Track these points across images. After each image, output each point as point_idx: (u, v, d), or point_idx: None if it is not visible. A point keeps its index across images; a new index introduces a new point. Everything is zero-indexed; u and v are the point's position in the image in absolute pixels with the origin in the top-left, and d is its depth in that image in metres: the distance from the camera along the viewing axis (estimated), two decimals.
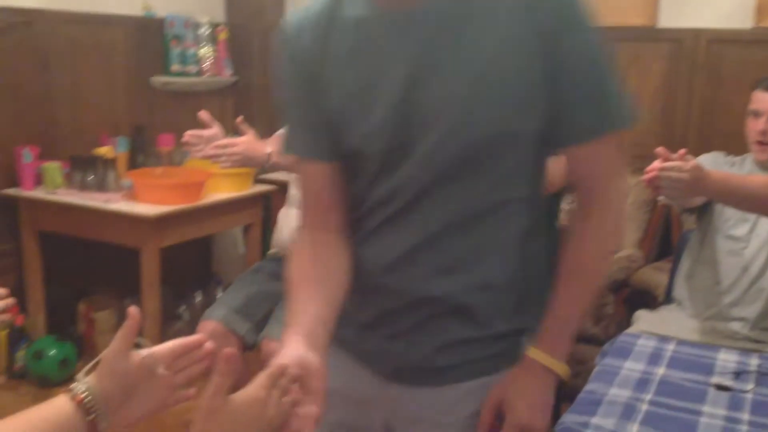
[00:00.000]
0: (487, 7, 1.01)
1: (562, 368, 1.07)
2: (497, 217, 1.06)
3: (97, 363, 0.89)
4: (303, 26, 1.09)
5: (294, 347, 0.97)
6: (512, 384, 1.07)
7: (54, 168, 3.00)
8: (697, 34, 3.28)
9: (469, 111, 1.00)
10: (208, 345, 0.98)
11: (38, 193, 2.99)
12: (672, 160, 1.70)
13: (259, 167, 2.38)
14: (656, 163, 1.71)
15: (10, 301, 1.18)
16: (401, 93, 1.01)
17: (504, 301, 1.09)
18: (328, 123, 1.08)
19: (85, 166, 3.00)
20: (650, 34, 3.38)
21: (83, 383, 0.86)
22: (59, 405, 0.84)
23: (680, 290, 2.25)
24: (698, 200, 2.15)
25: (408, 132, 1.02)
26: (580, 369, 2.87)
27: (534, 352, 1.07)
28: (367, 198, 1.09)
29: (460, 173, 1.03)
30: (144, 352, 0.92)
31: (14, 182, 3.04)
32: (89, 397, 0.85)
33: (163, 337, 3.05)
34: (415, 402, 1.14)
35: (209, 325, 2.30)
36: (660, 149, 1.72)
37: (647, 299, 2.72)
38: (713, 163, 2.20)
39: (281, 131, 2.76)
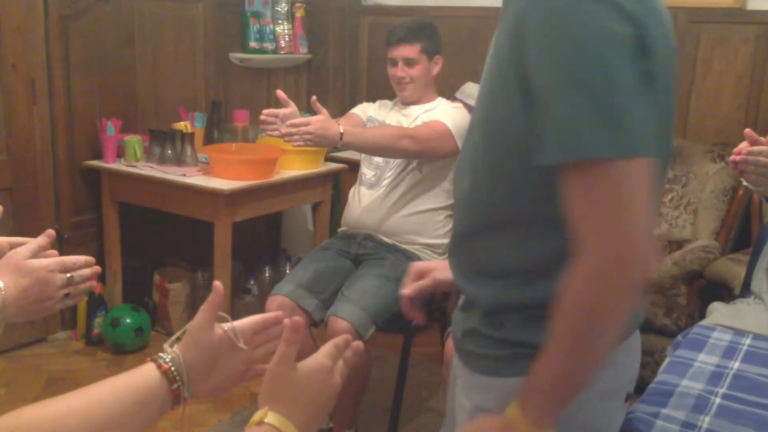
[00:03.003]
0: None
1: None
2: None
3: (182, 334, 0.93)
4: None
5: None
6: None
7: (135, 141, 3.10)
8: None
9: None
10: (286, 321, 1.01)
11: (119, 166, 3.10)
12: (761, 143, 1.64)
13: (330, 146, 2.41)
14: (743, 145, 1.65)
15: (97, 268, 1.23)
16: None
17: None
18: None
19: (163, 140, 3.09)
20: (738, 16, 3.25)
21: (169, 353, 0.90)
22: (146, 373, 0.88)
23: (759, 283, 2.18)
24: None
25: None
26: (648, 360, 2.83)
27: (513, 411, 0.97)
28: None
29: None
30: (226, 326, 0.95)
31: (97, 154, 3.17)
32: (174, 367, 0.88)
33: (233, 310, 3.14)
34: (458, 377, 1.18)
35: (277, 300, 2.35)
36: (748, 131, 1.66)
37: (722, 291, 2.64)
38: None
39: (355, 109, 2.78)
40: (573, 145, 0.87)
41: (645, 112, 0.88)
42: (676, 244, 3.12)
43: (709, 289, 2.75)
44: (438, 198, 2.59)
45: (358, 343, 0.98)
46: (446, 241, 2.62)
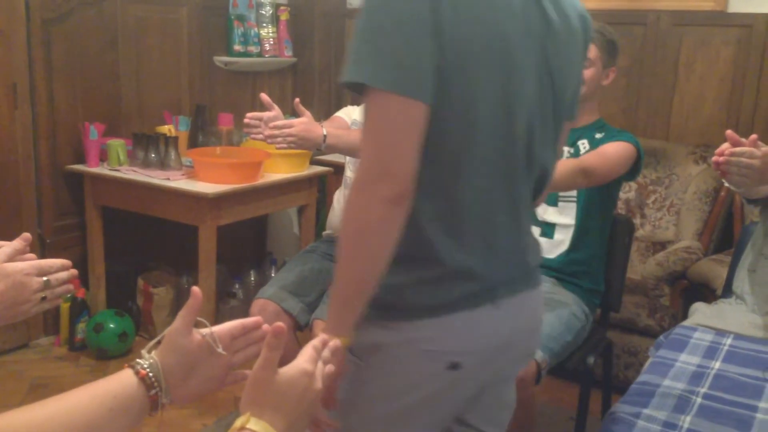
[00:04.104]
0: None
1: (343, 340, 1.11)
2: None
3: (160, 340, 0.93)
4: None
5: None
6: None
7: (118, 145, 3.09)
8: None
9: None
10: (266, 327, 1.01)
11: (102, 170, 3.08)
12: (743, 145, 1.65)
13: (314, 149, 2.40)
14: (725, 146, 1.66)
15: (74, 272, 1.23)
16: None
17: None
18: None
19: (147, 144, 3.08)
20: (719, 19, 3.28)
21: (147, 359, 0.90)
22: (123, 379, 0.87)
23: (741, 284, 2.19)
24: (765, 190, 2.07)
25: None
26: (633, 360, 2.85)
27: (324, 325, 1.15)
28: None
29: None
30: (204, 331, 0.95)
31: (80, 158, 3.15)
32: (152, 373, 0.88)
33: (217, 314, 3.13)
34: None
35: (262, 304, 2.34)
36: (730, 132, 1.67)
37: (705, 292, 2.66)
38: None
39: (339, 113, 2.72)
40: (353, 70, 1.06)
41: (416, 60, 1.04)
42: (660, 245, 3.14)
43: (691, 289, 2.77)
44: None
45: (336, 342, 0.98)
46: None
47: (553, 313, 2.18)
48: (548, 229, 2.38)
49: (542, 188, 1.31)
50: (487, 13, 1.10)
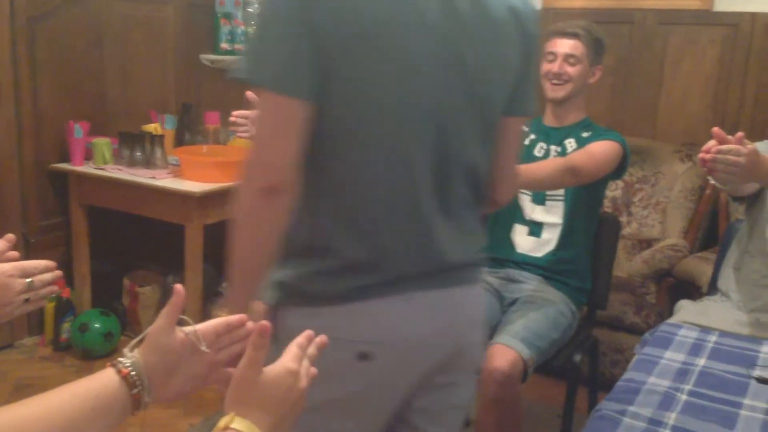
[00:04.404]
0: None
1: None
2: None
3: (142, 338, 0.92)
4: None
5: None
6: None
7: (103, 144, 3.07)
8: (753, 17, 3.18)
9: None
10: (250, 325, 1.00)
11: (87, 168, 3.06)
12: (729, 142, 1.65)
13: None
14: (712, 143, 1.67)
15: (58, 273, 1.22)
16: None
17: None
18: None
19: (133, 143, 3.06)
20: (705, 17, 3.30)
21: (129, 357, 0.89)
22: (105, 378, 0.86)
23: (726, 281, 2.21)
24: (750, 188, 2.09)
25: None
26: (619, 358, 2.86)
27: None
28: None
29: None
30: (188, 329, 0.94)
31: (65, 157, 3.12)
32: (134, 372, 0.87)
33: (204, 313, 3.11)
34: None
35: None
36: (716, 130, 1.67)
37: (690, 289, 2.67)
38: (766, 151, 2.14)
39: None
40: (240, 67, 1.13)
41: (292, 59, 1.09)
42: (646, 243, 3.15)
43: (677, 287, 2.78)
44: None
45: (322, 338, 0.98)
46: None
47: (540, 312, 2.18)
48: (536, 228, 2.38)
49: (478, 188, 1.29)
50: (366, 8, 1.11)
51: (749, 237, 2.16)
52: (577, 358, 2.21)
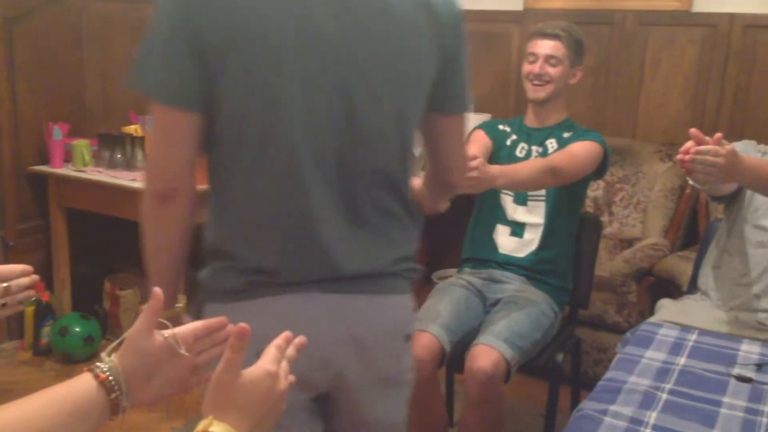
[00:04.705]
0: None
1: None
2: None
3: (120, 342, 0.91)
4: None
5: None
6: None
7: (83, 145, 3.04)
8: (732, 18, 3.22)
9: None
10: (231, 327, 0.99)
11: (67, 171, 3.03)
12: (706, 143, 1.67)
13: None
14: (690, 144, 1.68)
15: (35, 277, 1.21)
16: None
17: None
18: None
19: (113, 144, 3.03)
20: (684, 18, 3.33)
21: (107, 362, 0.88)
22: (82, 383, 0.85)
23: (706, 280, 2.23)
24: (728, 188, 2.11)
25: None
26: (601, 357, 2.87)
27: None
28: None
29: None
30: (167, 332, 0.93)
31: (44, 159, 3.09)
32: (112, 376, 0.86)
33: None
34: None
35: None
36: (694, 131, 1.69)
37: (671, 288, 2.69)
38: (744, 151, 2.15)
39: None
40: (129, 75, 1.17)
41: (173, 69, 1.11)
42: (627, 243, 3.17)
43: (658, 286, 2.80)
44: None
45: (301, 339, 0.97)
46: None
47: (522, 312, 2.19)
48: (518, 228, 2.39)
49: (402, 195, 1.26)
50: (246, 15, 1.10)
51: (728, 236, 2.18)
52: (560, 357, 2.21)
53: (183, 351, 0.93)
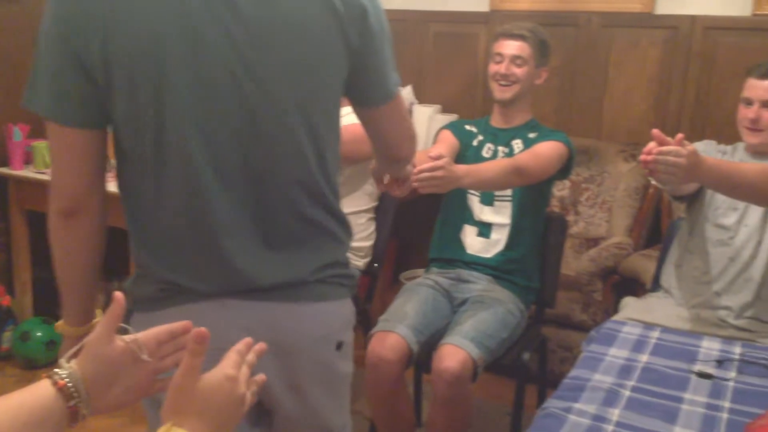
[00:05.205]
0: None
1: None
2: None
3: (80, 348, 0.89)
4: None
5: None
6: None
7: (44, 147, 2.98)
8: (693, 20, 3.27)
9: None
10: (202, 330, 0.98)
11: (27, 173, 2.98)
12: (668, 144, 1.70)
13: None
14: (652, 145, 1.71)
15: None
16: None
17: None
18: None
19: None
20: (647, 20, 3.37)
21: (65, 368, 0.86)
22: (40, 390, 0.84)
23: (668, 278, 2.26)
24: (690, 188, 2.15)
25: None
26: (567, 355, 2.90)
27: None
28: None
29: None
30: (128, 337, 0.92)
31: (4, 161, 3.03)
32: (71, 383, 0.85)
33: None
34: None
35: None
36: (656, 131, 1.71)
37: (635, 287, 2.73)
38: (704, 151, 2.19)
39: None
40: (23, 95, 1.14)
41: (59, 88, 1.11)
42: (593, 242, 3.21)
43: (622, 284, 2.84)
44: (360, 201, 2.59)
45: (261, 345, 0.97)
46: (369, 243, 2.62)
47: (489, 311, 2.20)
48: (485, 229, 2.41)
49: (322, 200, 1.24)
50: (125, 29, 1.08)
51: (689, 235, 2.21)
52: (526, 356, 2.23)
53: (145, 356, 0.92)
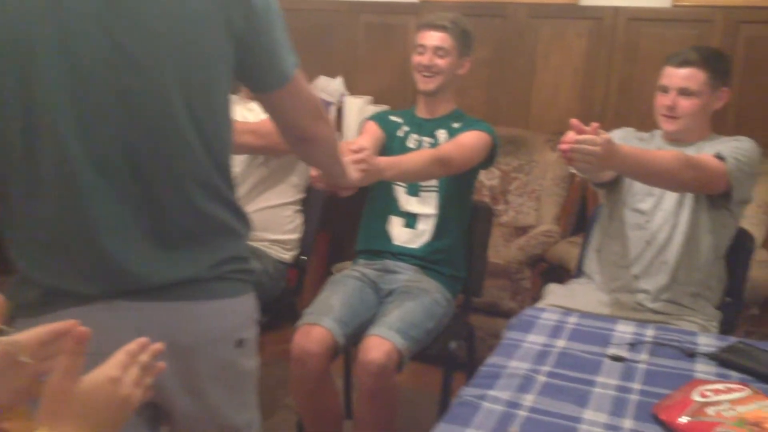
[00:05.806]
0: None
1: None
2: None
3: None
4: None
5: None
6: None
7: None
8: (616, 11, 3.34)
9: None
10: (81, 329, 0.95)
11: None
12: (586, 132, 1.73)
13: None
14: (570, 134, 1.74)
15: None
16: None
17: None
18: None
19: None
20: (572, 11, 3.43)
21: None
22: None
23: (590, 263, 2.31)
24: (608, 175, 2.19)
25: None
26: (496, 343, 2.92)
27: None
28: None
29: None
30: (6, 339, 0.88)
31: None
32: None
33: None
34: None
35: None
36: (574, 121, 1.74)
37: (562, 273, 2.78)
38: (623, 138, 2.25)
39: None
40: None
41: None
42: (522, 230, 3.26)
43: (550, 271, 2.89)
44: (286, 193, 2.56)
45: (158, 345, 0.94)
46: (295, 236, 2.60)
47: (415, 301, 2.21)
48: (411, 219, 2.41)
49: (211, 191, 1.21)
50: None
51: (609, 220, 2.26)
52: (453, 345, 2.25)
53: (23, 358, 0.88)
